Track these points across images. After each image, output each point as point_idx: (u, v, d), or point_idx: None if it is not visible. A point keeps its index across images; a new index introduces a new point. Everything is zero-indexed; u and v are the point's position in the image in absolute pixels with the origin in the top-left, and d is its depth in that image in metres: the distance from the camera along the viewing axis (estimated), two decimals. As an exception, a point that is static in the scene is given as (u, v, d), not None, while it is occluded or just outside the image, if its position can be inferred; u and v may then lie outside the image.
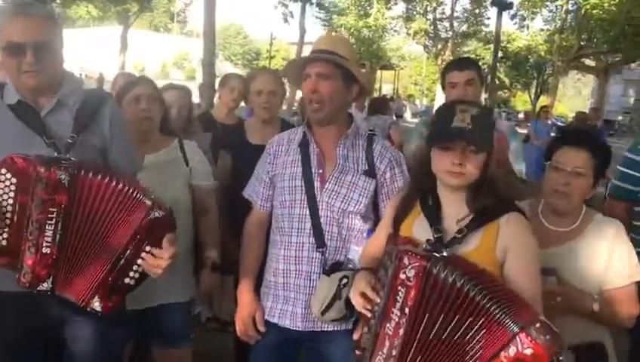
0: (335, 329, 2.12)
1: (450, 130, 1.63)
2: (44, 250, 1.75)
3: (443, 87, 3.04)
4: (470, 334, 1.47)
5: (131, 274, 1.81)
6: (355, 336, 2.02)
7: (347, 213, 2.11)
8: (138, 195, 1.77)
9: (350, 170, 2.13)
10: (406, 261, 1.55)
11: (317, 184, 2.12)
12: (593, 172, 1.98)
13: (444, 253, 1.62)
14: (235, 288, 2.40)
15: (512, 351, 1.40)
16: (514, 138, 3.04)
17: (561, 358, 1.40)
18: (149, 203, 1.77)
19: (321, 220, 2.10)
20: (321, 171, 2.13)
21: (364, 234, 2.16)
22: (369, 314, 1.66)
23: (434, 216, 1.72)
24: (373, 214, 2.18)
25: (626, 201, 2.70)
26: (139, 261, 1.79)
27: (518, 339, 1.40)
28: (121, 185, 1.77)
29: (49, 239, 1.75)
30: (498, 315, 1.43)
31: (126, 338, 2.39)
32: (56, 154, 1.80)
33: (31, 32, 1.78)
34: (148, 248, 1.78)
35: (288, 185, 2.15)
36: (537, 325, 1.41)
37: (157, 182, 2.42)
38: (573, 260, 1.97)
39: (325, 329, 2.13)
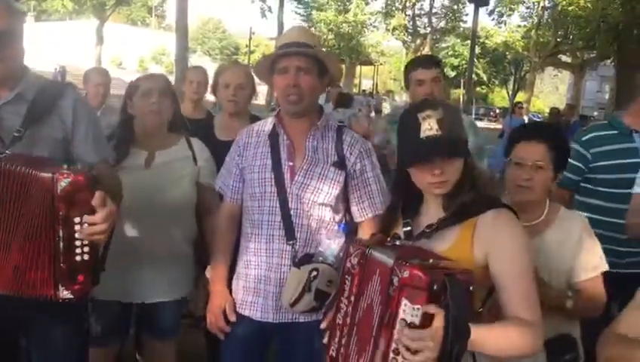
0: (306, 319, 2.13)
1: (421, 142, 1.55)
2: None
3: (406, 85, 3.04)
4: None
5: (78, 250, 1.72)
6: (323, 326, 2.04)
7: (317, 204, 2.10)
8: (34, 173, 1.67)
9: (320, 161, 2.13)
10: (351, 249, 1.55)
11: (287, 176, 2.11)
12: (552, 164, 1.99)
13: (397, 243, 1.59)
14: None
15: (395, 281, 1.38)
16: (473, 134, 2.98)
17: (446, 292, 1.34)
18: (47, 175, 1.66)
19: (291, 212, 2.09)
20: (291, 163, 2.12)
21: (336, 227, 2.16)
22: None
23: (407, 214, 1.70)
24: (343, 205, 2.19)
25: (568, 189, 2.81)
26: (76, 235, 1.70)
27: (395, 269, 1.38)
28: (22, 169, 1.68)
29: None
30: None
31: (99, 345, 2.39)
32: None
33: None
34: (77, 219, 1.69)
35: (258, 178, 2.14)
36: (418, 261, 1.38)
37: (166, 179, 2.44)
38: (542, 254, 1.98)
39: (296, 320, 2.14)
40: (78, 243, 1.71)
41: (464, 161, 1.61)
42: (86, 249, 1.73)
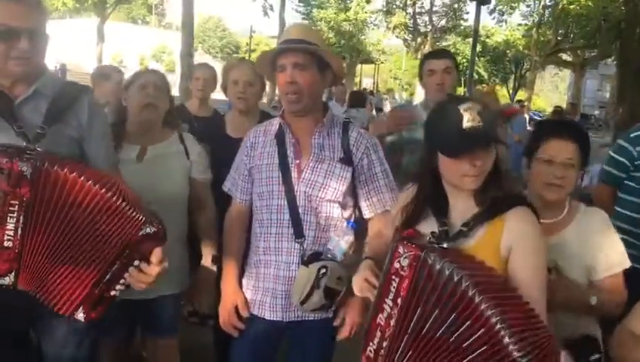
0: (316, 318, 2.13)
1: (464, 133, 1.55)
2: (5, 244, 1.68)
3: (421, 78, 3.16)
4: (469, 340, 1.38)
5: (118, 286, 1.77)
6: (336, 323, 2.04)
7: (325, 201, 2.10)
8: (131, 211, 1.70)
9: (326, 158, 2.12)
10: (401, 250, 1.49)
11: (294, 174, 2.11)
12: (579, 164, 1.98)
13: (445, 245, 1.56)
14: (215, 281, 2.40)
15: None
16: None
17: None
18: (141, 218, 1.71)
19: (300, 210, 2.09)
20: (297, 161, 2.12)
21: (345, 224, 2.16)
22: (372, 298, 1.61)
23: (441, 211, 1.68)
24: (352, 202, 2.19)
25: (612, 186, 2.80)
26: (126, 275, 1.76)
27: None
28: (110, 195, 1.68)
29: (10, 233, 1.68)
30: (502, 336, 1.33)
31: (98, 336, 2.37)
32: (24, 144, 1.74)
33: (25, 18, 1.76)
34: (136, 263, 1.75)
35: (266, 177, 2.14)
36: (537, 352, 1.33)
37: (158, 173, 2.43)
38: (565, 251, 1.96)
39: (306, 318, 2.14)
40: (122, 281, 1.77)
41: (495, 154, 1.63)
42: (122, 288, 1.79)
